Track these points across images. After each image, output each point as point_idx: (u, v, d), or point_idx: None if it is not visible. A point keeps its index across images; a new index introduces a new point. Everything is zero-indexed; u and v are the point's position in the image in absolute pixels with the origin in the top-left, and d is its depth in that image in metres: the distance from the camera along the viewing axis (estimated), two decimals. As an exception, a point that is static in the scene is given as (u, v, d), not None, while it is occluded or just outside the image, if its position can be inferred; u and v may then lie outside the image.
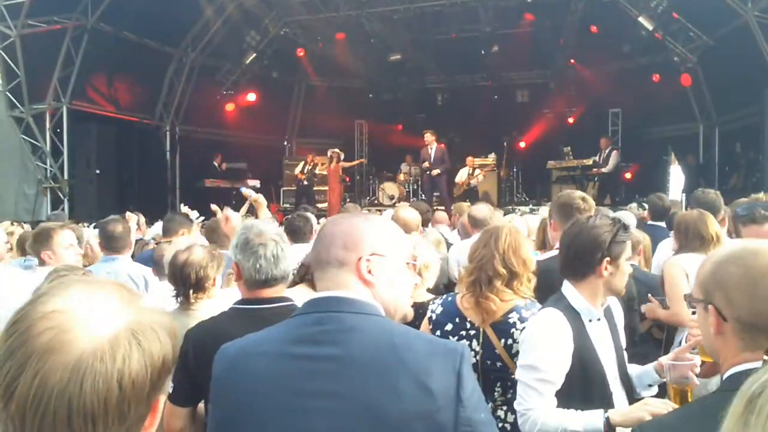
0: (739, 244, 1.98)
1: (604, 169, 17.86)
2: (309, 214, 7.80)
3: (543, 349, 3.14)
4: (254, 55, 20.21)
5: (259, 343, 2.12)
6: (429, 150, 18.13)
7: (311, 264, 2.19)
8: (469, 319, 3.74)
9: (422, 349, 1.92)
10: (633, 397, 3.25)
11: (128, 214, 9.99)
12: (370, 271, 2.04)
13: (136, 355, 1.15)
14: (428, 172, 18.26)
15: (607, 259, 3.18)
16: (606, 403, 3.03)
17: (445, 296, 4.04)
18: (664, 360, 2.96)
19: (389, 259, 2.09)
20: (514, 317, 3.68)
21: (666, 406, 2.78)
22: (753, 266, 1.81)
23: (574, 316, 3.19)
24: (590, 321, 3.22)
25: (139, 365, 1.15)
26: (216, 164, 19.88)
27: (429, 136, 18.21)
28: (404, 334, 1.98)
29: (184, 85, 19.86)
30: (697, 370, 2.84)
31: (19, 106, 15.91)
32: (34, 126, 16.16)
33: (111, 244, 5.82)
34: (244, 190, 6.68)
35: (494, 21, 19.22)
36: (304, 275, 4.25)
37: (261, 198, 6.39)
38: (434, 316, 3.86)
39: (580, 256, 3.26)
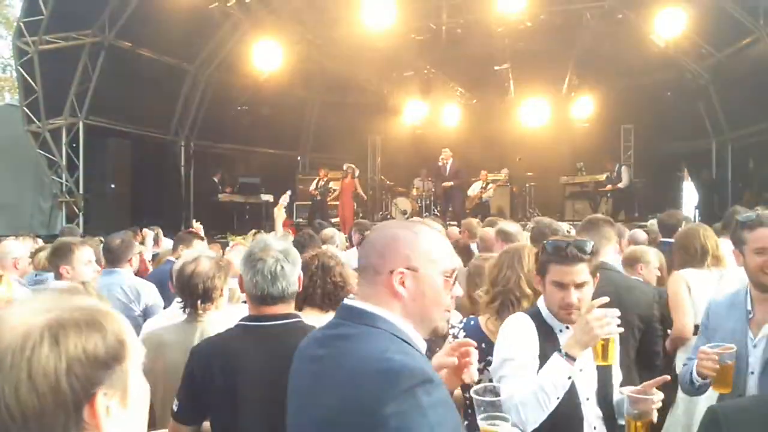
0: None
1: (620, 185, 17.82)
2: (313, 233, 7.95)
3: (511, 341, 3.24)
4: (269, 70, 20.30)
5: (310, 335, 2.29)
6: (446, 165, 18.27)
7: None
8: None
9: (376, 369, 1.89)
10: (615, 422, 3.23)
11: (145, 230, 10.10)
12: (402, 283, 2.07)
13: (46, 347, 1.20)
14: (443, 184, 18.41)
15: (538, 277, 3.30)
16: (571, 410, 3.05)
17: (467, 320, 3.95)
18: (626, 391, 2.97)
19: (422, 272, 2.10)
20: None
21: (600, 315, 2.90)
22: None
23: (542, 322, 3.27)
24: (560, 331, 3.24)
25: (49, 356, 1.20)
26: (216, 180, 19.96)
27: (446, 152, 18.59)
28: (373, 351, 1.95)
29: (199, 100, 20.00)
30: (657, 405, 2.84)
31: (36, 121, 16.06)
32: (51, 141, 16.30)
33: (108, 256, 6.02)
34: (283, 198, 6.78)
35: (507, 38, 19.27)
36: (304, 298, 4.10)
37: (283, 212, 6.46)
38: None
39: None
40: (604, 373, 3.23)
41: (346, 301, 2.21)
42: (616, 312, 2.94)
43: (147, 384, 1.43)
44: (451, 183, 18.17)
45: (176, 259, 6.84)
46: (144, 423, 1.43)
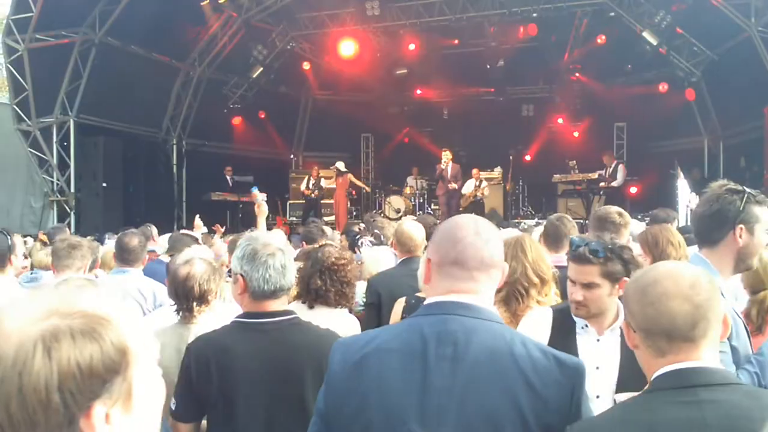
0: (646, 267, 2.22)
1: (614, 183, 17.80)
2: (325, 227, 8.05)
3: (521, 330, 3.26)
4: (261, 69, 20.28)
5: (385, 341, 2.19)
6: (446, 168, 18.37)
7: (438, 259, 2.24)
8: None
9: (540, 361, 2.05)
10: None
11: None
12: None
13: (38, 360, 1.15)
14: (447, 187, 18.43)
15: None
16: None
17: None
18: (620, 398, 2.95)
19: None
20: None
21: None
22: (642, 279, 2.07)
23: (566, 318, 3.27)
24: (582, 328, 3.24)
25: (40, 371, 1.15)
26: (228, 177, 20.04)
27: (447, 155, 18.49)
28: (523, 344, 2.08)
29: (191, 98, 19.95)
30: None
31: (26, 119, 15.99)
32: (41, 139, 16.23)
33: (123, 256, 5.82)
34: (255, 190, 6.73)
35: (500, 35, 19.28)
36: (316, 297, 4.32)
37: (264, 206, 6.45)
38: None
39: None
40: (625, 374, 3.15)
41: (450, 298, 2.16)
42: None
43: (159, 378, 1.40)
44: (455, 186, 18.25)
45: (168, 257, 6.80)
46: (154, 421, 1.37)
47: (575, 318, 3.25)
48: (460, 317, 2.10)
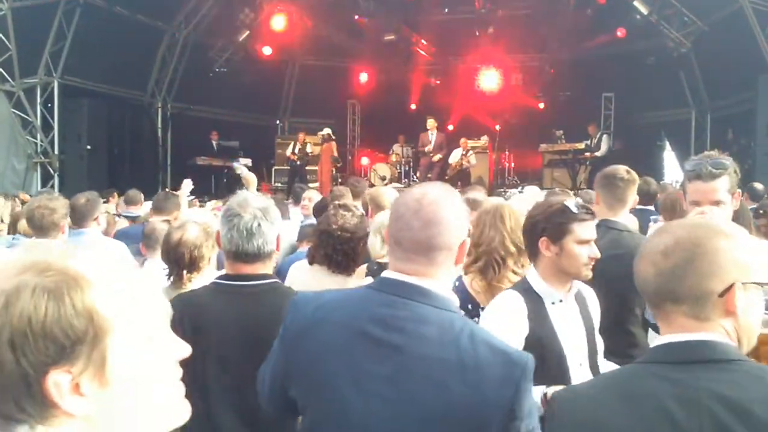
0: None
1: (597, 153, 17.86)
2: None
3: (493, 330, 3.18)
4: (247, 32, 20.06)
5: (334, 310, 2.13)
6: (430, 136, 18.73)
7: (387, 233, 2.15)
8: (481, 305, 3.61)
9: (485, 356, 1.93)
10: None
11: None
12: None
13: None
14: (429, 156, 18.91)
15: (543, 239, 3.16)
16: (562, 381, 2.96)
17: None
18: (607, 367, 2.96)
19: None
20: None
21: None
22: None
23: (533, 297, 3.17)
24: (553, 303, 3.18)
25: None
26: (213, 142, 19.90)
27: (431, 122, 18.96)
28: (471, 337, 1.96)
29: (176, 61, 19.75)
30: None
31: (9, 79, 15.74)
32: (25, 100, 16.00)
33: (73, 216, 5.74)
34: (236, 165, 6.66)
35: (489, 2, 19.16)
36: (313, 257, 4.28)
37: (252, 176, 6.37)
38: None
39: (526, 236, 3.33)
40: (592, 340, 3.25)
41: (403, 278, 2.06)
42: None
43: (168, 353, 1.41)
44: (440, 156, 18.71)
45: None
46: (154, 401, 1.32)
47: (539, 292, 3.18)
48: (412, 302, 2.01)
